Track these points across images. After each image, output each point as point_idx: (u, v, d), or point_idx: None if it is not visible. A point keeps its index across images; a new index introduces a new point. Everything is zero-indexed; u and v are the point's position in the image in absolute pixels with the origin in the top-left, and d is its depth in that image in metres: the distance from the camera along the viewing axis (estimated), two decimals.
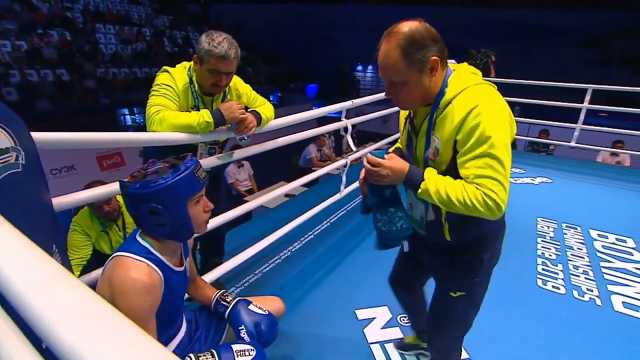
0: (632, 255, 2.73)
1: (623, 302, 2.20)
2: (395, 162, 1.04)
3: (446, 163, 1.02)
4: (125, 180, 0.97)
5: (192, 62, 1.57)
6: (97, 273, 1.21)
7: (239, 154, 1.75)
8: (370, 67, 16.91)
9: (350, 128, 2.64)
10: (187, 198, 0.98)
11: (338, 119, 2.64)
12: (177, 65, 1.61)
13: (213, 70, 1.48)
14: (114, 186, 1.22)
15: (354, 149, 2.76)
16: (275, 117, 1.87)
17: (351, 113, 2.73)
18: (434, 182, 0.98)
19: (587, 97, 4.37)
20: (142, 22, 12.12)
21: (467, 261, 1.13)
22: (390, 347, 1.77)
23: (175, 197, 0.95)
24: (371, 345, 1.78)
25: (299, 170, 5.77)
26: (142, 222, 0.98)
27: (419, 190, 1.00)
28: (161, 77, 1.54)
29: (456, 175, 0.99)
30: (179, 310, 1.14)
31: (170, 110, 1.44)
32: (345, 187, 2.85)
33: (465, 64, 1.06)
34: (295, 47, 16.40)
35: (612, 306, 2.17)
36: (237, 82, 1.71)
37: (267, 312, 1.27)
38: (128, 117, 9.47)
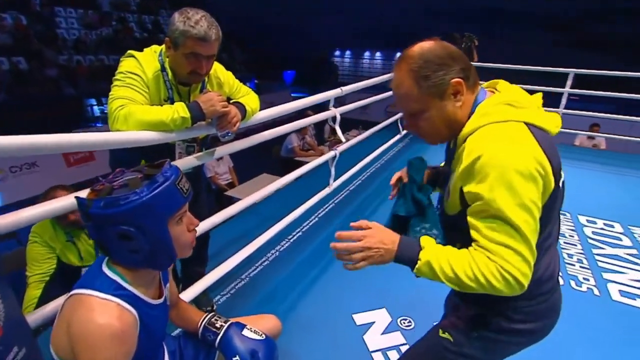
0: (621, 240, 2.72)
1: (620, 291, 2.16)
2: (381, 232, 0.84)
3: (454, 210, 0.86)
4: (84, 197, 0.76)
5: (163, 46, 1.33)
6: (54, 306, 0.99)
7: (221, 150, 1.53)
8: (348, 53, 16.63)
9: (339, 117, 2.45)
10: (167, 216, 0.78)
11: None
12: (145, 49, 1.36)
13: (191, 54, 1.25)
14: (71, 200, 0.99)
15: (344, 140, 2.59)
16: None
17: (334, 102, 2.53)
18: (434, 256, 0.79)
19: (569, 82, 4.35)
20: (106, 6, 11.30)
21: (467, 309, 0.94)
22: (393, 355, 1.64)
23: (152, 216, 0.75)
24: (373, 354, 1.64)
25: (280, 160, 5.55)
26: (109, 249, 0.78)
27: (416, 267, 0.80)
28: (126, 64, 1.28)
29: (466, 232, 0.81)
30: (158, 348, 0.95)
31: (137, 105, 1.20)
32: (335, 180, 2.68)
33: (517, 87, 0.87)
34: (271, 32, 15.86)
35: (609, 295, 2.12)
36: (217, 69, 1.48)
37: (263, 337, 1.09)
38: (96, 107, 8.90)
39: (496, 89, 0.88)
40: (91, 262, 1.81)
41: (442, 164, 1.12)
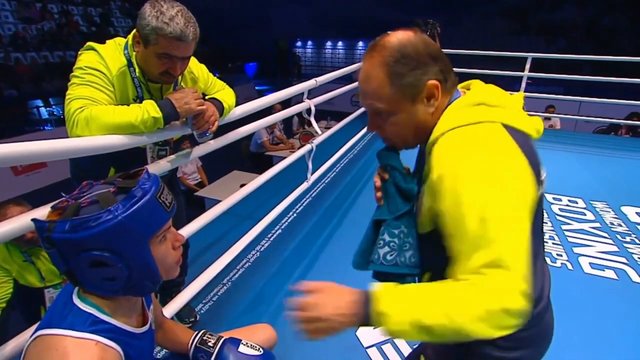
0: (585, 215, 2.86)
1: (590, 263, 2.27)
2: (335, 294, 0.66)
3: (429, 227, 0.74)
4: (45, 219, 0.63)
5: (128, 38, 1.16)
6: (15, 345, 0.85)
7: (197, 151, 1.40)
8: (310, 43, 16.41)
9: (313, 109, 2.36)
10: (149, 236, 0.67)
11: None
12: (107, 42, 1.18)
13: (164, 54, 1.09)
14: (23, 221, 0.84)
15: (319, 132, 2.51)
16: None
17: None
18: (400, 309, 0.60)
19: (528, 66, 4.50)
20: None
21: (453, 345, 0.76)
22: (387, 349, 1.61)
23: (130, 238, 0.64)
24: (367, 350, 1.60)
25: (250, 155, 5.38)
26: (78, 279, 0.66)
27: (386, 330, 0.61)
28: (85, 58, 1.11)
29: (441, 252, 0.68)
30: None
31: (99, 105, 1.05)
32: (312, 174, 2.60)
33: (492, 86, 0.76)
34: (229, 24, 15.29)
35: (581, 269, 2.22)
36: (190, 63, 1.32)
37: (261, 351, 1.01)
38: (43, 109, 8.18)
39: (468, 89, 0.78)
40: (55, 282, 1.64)
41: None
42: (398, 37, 0.70)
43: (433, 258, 0.75)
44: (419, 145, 0.82)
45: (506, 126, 0.66)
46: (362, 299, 0.63)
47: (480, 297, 0.57)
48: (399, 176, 0.78)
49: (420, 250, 0.78)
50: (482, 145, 0.63)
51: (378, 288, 0.64)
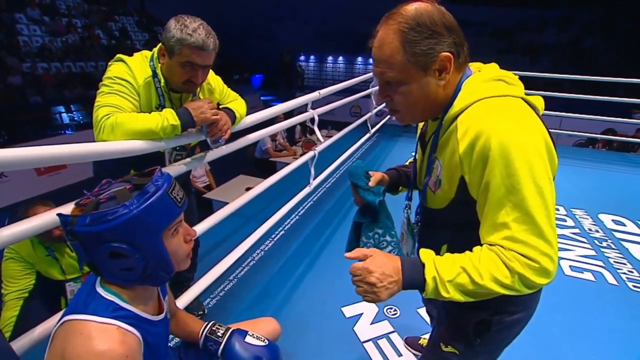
0: (566, 221, 2.87)
1: (570, 266, 2.27)
2: (381, 261, 0.68)
3: (444, 203, 0.75)
4: (68, 214, 0.64)
5: (154, 51, 1.19)
6: (42, 330, 0.86)
7: (210, 155, 1.42)
8: (312, 57, 16.48)
9: (317, 118, 2.38)
10: (162, 229, 0.68)
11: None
12: (134, 54, 1.21)
13: (187, 63, 1.12)
14: (49, 217, 0.85)
15: (322, 140, 2.53)
16: None
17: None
18: (448, 270, 0.64)
19: None
20: (71, 13, 10.44)
21: (466, 318, 0.80)
22: (383, 343, 1.61)
23: (145, 230, 0.65)
24: (364, 344, 1.60)
25: (255, 161, 5.39)
26: (100, 269, 0.67)
27: (425, 291, 0.65)
28: (115, 69, 1.13)
29: (460, 222, 0.72)
30: None
31: (124, 113, 1.07)
32: (314, 179, 2.61)
33: (495, 64, 0.75)
34: (237, 38, 15.35)
35: (562, 271, 2.22)
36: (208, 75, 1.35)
37: (266, 342, 1.01)
38: (65, 115, 8.18)
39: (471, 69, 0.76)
40: (74, 275, 1.65)
41: (409, 161, 1.02)
42: (415, 6, 0.67)
43: (448, 232, 0.77)
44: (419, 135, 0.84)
45: (526, 101, 0.67)
46: (408, 265, 0.67)
47: (525, 267, 0.61)
48: (362, 192, 0.88)
49: (438, 227, 0.80)
50: (513, 118, 0.62)
51: (423, 255, 0.67)
